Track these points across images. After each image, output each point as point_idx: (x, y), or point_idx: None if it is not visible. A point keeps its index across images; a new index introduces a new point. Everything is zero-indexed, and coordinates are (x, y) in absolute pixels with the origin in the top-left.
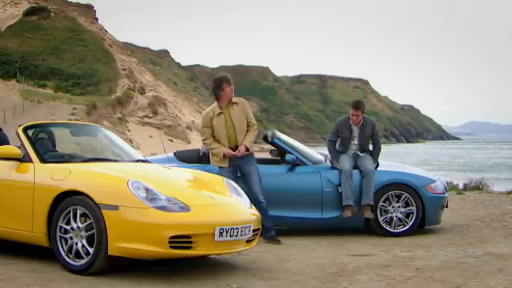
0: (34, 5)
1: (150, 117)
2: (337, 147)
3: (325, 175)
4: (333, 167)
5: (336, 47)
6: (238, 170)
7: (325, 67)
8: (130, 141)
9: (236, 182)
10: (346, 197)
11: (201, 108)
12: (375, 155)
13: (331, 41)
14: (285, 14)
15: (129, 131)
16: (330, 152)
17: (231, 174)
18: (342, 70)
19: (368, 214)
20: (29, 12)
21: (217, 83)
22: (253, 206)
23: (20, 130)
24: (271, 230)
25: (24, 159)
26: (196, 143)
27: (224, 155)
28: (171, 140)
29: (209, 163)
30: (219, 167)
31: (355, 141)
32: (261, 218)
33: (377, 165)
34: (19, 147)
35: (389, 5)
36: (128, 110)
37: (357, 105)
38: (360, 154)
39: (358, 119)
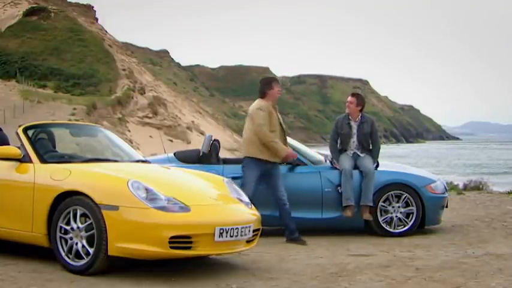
0: (34, 5)
1: (150, 118)
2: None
3: (325, 175)
4: (333, 167)
5: (336, 47)
6: (266, 172)
7: (325, 67)
8: (130, 142)
9: (260, 185)
10: (346, 197)
11: (201, 109)
12: (374, 154)
13: (331, 41)
14: (285, 14)
15: (129, 131)
16: (331, 152)
17: (258, 176)
18: (341, 70)
19: (367, 216)
20: (29, 13)
21: (267, 81)
22: (253, 206)
23: (20, 130)
24: (295, 231)
25: (24, 159)
26: (196, 143)
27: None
28: (171, 140)
29: (209, 163)
30: (255, 164)
31: (354, 138)
32: (285, 219)
33: (377, 165)
34: (19, 148)
35: (389, 5)
36: (127, 110)
37: (353, 94)
38: (360, 154)
39: (352, 108)
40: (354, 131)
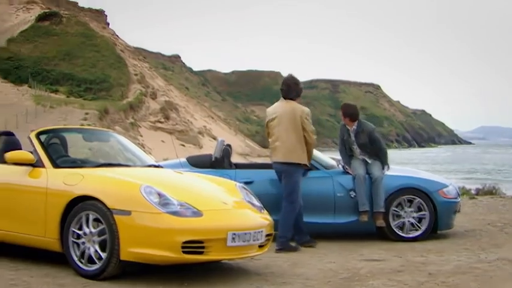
0: (46, 10)
1: (162, 122)
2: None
3: (337, 180)
4: (345, 172)
5: (348, 52)
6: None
7: (337, 72)
8: (142, 146)
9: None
10: (361, 202)
11: (213, 113)
12: (382, 160)
13: (343, 46)
14: (297, 18)
15: (141, 135)
16: (342, 157)
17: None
18: (353, 75)
19: (379, 222)
20: (41, 18)
21: (300, 83)
22: (265, 210)
23: (32, 135)
24: (306, 234)
25: (37, 164)
26: (208, 148)
27: None
28: (183, 145)
29: (221, 168)
30: (301, 170)
31: (355, 145)
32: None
33: (387, 168)
34: (31, 153)
35: (400, 10)
36: (139, 115)
37: (341, 106)
38: (368, 160)
39: (343, 119)
40: (353, 139)
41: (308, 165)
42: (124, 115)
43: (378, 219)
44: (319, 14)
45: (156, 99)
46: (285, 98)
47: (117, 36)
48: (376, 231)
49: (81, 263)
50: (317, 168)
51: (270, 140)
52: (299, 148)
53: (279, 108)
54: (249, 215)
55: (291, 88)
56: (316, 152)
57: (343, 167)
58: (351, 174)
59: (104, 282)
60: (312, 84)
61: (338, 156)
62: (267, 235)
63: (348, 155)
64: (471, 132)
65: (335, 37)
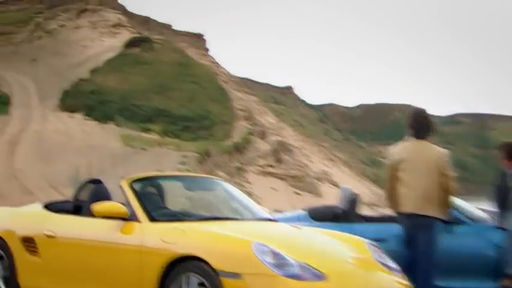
0: (136, 35)
1: (273, 166)
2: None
3: (488, 236)
4: (499, 227)
5: (493, 80)
6: None
7: (484, 105)
8: (250, 195)
9: None
10: (508, 263)
11: (333, 155)
12: None
13: (489, 75)
14: (433, 39)
15: (249, 182)
16: (497, 208)
17: None
18: (502, 107)
19: (504, 282)
20: (130, 44)
21: (427, 114)
22: (402, 273)
23: (125, 184)
24: None
25: (130, 218)
26: (329, 196)
27: None
28: (298, 193)
29: (348, 222)
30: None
31: None
32: None
33: None
34: (123, 204)
35: None
36: (246, 158)
37: (500, 146)
38: None
39: (501, 162)
40: None
41: (445, 218)
42: (228, 158)
43: (506, 280)
44: (457, 39)
45: (266, 139)
46: (416, 138)
47: (219, 64)
48: None
49: None
50: (463, 222)
51: (391, 185)
52: (435, 198)
53: (409, 149)
54: (381, 278)
55: (422, 125)
56: (462, 203)
57: (496, 219)
58: (505, 229)
59: None
60: (454, 119)
61: (489, 207)
62: None
63: (504, 205)
64: None
65: (480, 65)
